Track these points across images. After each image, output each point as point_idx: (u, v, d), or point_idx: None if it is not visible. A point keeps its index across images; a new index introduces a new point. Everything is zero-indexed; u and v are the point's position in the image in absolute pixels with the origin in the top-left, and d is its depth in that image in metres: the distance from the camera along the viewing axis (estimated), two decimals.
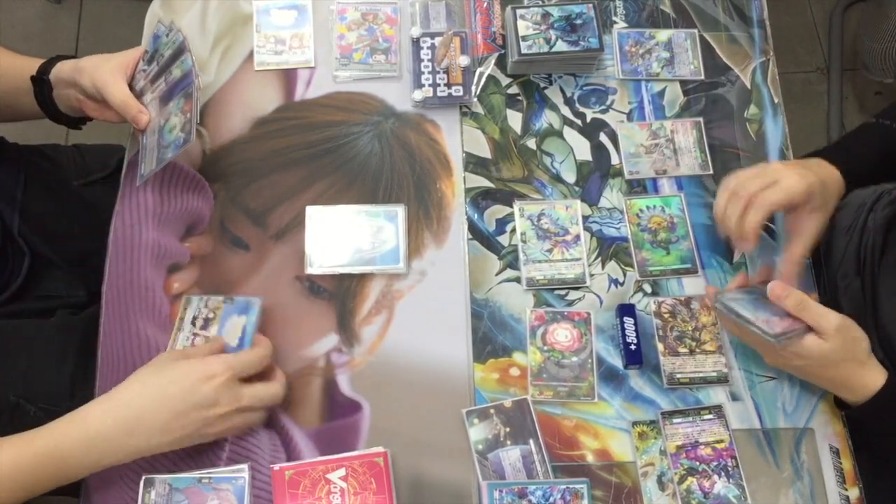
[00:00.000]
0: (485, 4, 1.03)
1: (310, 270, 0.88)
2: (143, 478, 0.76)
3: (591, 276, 0.91)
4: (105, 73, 0.86)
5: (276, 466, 0.79)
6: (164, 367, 0.74)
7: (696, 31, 1.04)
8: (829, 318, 0.77)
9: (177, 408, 0.71)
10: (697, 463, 0.82)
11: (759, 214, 0.81)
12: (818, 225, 0.84)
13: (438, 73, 0.97)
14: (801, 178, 0.81)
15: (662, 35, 1.03)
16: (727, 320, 0.82)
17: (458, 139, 0.97)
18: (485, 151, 0.97)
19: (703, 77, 1.01)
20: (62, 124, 0.95)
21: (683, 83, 1.01)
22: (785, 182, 0.81)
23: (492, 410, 0.84)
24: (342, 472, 0.78)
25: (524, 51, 0.96)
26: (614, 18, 1.04)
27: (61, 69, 0.89)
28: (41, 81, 0.90)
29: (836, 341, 0.77)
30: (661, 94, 1.01)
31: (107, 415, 0.71)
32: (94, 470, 0.72)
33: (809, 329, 0.78)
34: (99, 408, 0.72)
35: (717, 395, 0.86)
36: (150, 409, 0.71)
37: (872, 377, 0.79)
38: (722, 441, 0.83)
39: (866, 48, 1.85)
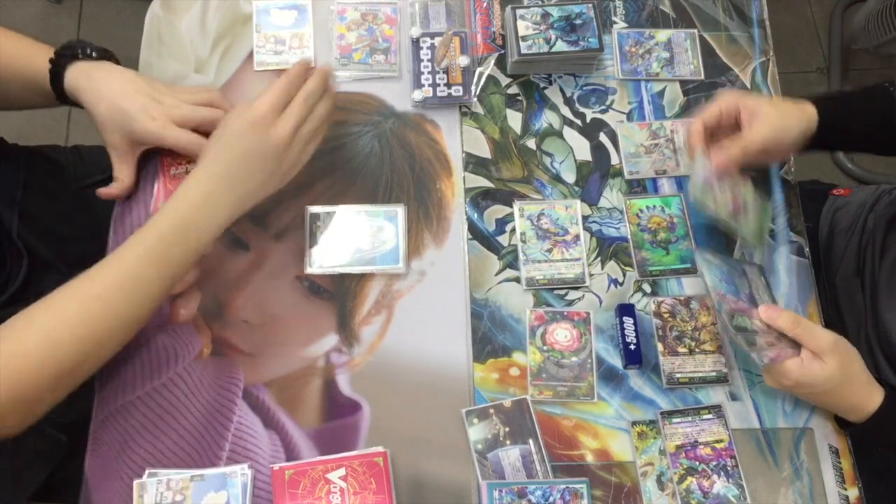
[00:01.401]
0: (484, 4, 1.03)
1: (309, 270, 0.88)
2: (135, 482, 0.77)
3: (591, 275, 0.91)
4: (112, 152, 0.86)
5: (276, 466, 0.79)
6: (222, 135, 0.78)
7: (695, 31, 1.04)
8: (825, 335, 0.77)
9: (246, 159, 0.77)
10: (697, 463, 0.82)
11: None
12: (768, 126, 0.85)
13: (438, 73, 0.97)
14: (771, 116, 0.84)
15: (662, 35, 1.03)
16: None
17: (457, 139, 0.97)
18: (484, 151, 0.97)
19: (702, 77, 1.01)
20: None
21: (683, 83, 1.01)
22: (757, 125, 0.84)
23: (491, 410, 0.84)
24: (342, 471, 0.78)
25: (524, 51, 0.96)
26: (614, 18, 1.04)
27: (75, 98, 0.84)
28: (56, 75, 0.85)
29: (834, 360, 0.76)
30: (661, 94, 1.01)
31: (200, 183, 0.77)
32: (216, 232, 0.77)
33: (796, 351, 0.78)
34: (191, 182, 0.77)
35: (717, 395, 0.86)
36: (234, 166, 0.77)
37: (871, 397, 0.79)
38: (721, 441, 0.83)
39: (854, 23, 1.92)
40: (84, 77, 0.83)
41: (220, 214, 0.77)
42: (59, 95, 0.85)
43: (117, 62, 0.88)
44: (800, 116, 0.86)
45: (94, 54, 0.86)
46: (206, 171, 0.77)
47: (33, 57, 0.85)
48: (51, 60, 0.84)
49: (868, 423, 0.79)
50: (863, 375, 0.79)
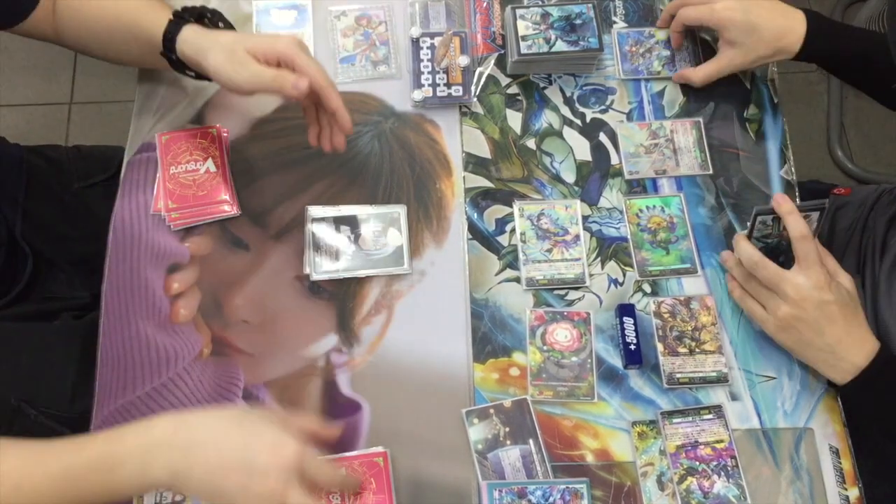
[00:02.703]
0: (484, 4, 1.03)
1: (315, 277, 0.88)
2: None
3: (591, 276, 0.91)
4: (243, 70, 0.79)
5: None
6: (247, 415, 0.69)
7: (694, 28, 1.04)
8: (813, 251, 0.80)
9: (229, 455, 0.65)
10: (697, 463, 0.82)
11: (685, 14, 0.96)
12: (728, 60, 0.95)
13: (438, 73, 0.97)
14: (728, 9, 0.93)
15: (662, 34, 1.03)
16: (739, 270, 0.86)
17: (457, 139, 0.97)
18: (484, 151, 0.97)
19: None
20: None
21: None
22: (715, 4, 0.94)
23: (491, 410, 0.84)
24: (342, 472, 0.78)
25: (524, 51, 0.96)
26: (614, 18, 1.04)
27: (187, 54, 0.83)
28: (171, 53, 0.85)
29: (848, 282, 0.81)
30: (661, 94, 1.01)
31: (170, 428, 0.67)
32: (139, 489, 0.69)
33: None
34: (166, 420, 0.68)
35: (717, 395, 0.86)
36: (210, 440, 0.66)
37: (870, 340, 0.81)
38: (721, 441, 0.83)
39: (855, 24, 1.89)
40: (199, 31, 0.84)
41: (151, 474, 0.65)
42: (168, 45, 0.84)
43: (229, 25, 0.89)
44: (775, 44, 0.93)
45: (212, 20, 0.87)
46: (182, 419, 0.68)
47: (152, 13, 0.86)
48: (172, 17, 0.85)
49: (866, 374, 0.79)
50: (857, 308, 0.82)
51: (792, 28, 0.92)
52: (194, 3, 0.89)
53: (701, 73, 0.97)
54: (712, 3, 0.94)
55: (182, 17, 0.85)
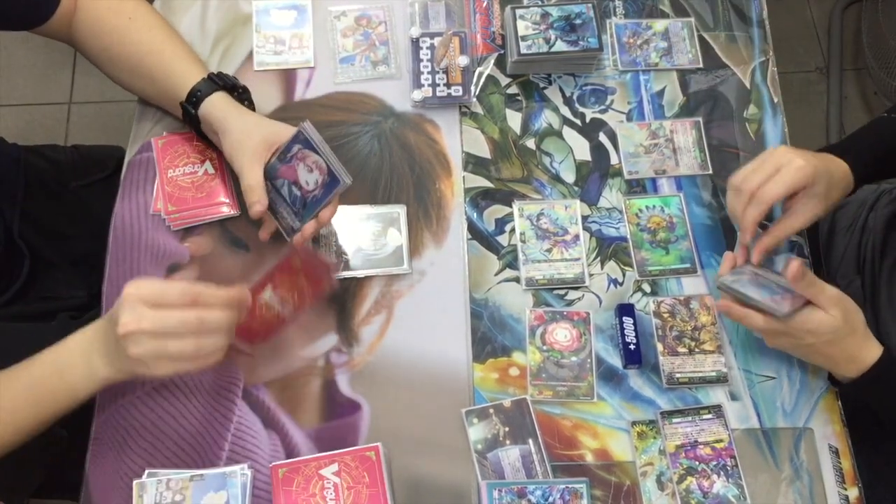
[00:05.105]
0: (484, 4, 1.04)
1: None
2: (135, 482, 0.77)
3: (591, 275, 0.91)
4: (244, 157, 0.83)
5: (272, 464, 0.79)
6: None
7: (691, 19, 1.04)
8: (831, 290, 0.78)
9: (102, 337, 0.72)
10: (696, 462, 0.82)
11: (758, 209, 0.82)
12: (814, 212, 0.83)
13: (438, 73, 0.97)
14: (806, 162, 0.81)
15: (659, 25, 1.03)
16: (727, 301, 0.82)
17: (457, 139, 0.97)
18: (484, 151, 0.97)
19: (701, 65, 1.02)
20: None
21: (684, 72, 1.01)
22: (785, 171, 0.81)
23: (491, 410, 0.84)
24: (335, 467, 0.78)
25: (523, 51, 0.96)
26: (614, 18, 1.04)
27: (210, 117, 0.86)
28: (190, 109, 0.87)
29: (839, 311, 0.77)
30: (661, 93, 1.01)
31: (96, 332, 0.73)
32: (93, 387, 0.73)
33: (807, 303, 0.78)
34: (94, 327, 0.74)
35: (717, 395, 0.86)
36: (102, 336, 0.72)
37: (871, 350, 0.79)
38: (721, 441, 0.83)
39: (876, 76, 1.82)
40: (227, 103, 0.86)
41: (96, 373, 0.73)
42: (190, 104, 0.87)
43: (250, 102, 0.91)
44: (845, 185, 0.85)
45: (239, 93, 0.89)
46: (91, 329, 0.74)
47: (186, 64, 0.88)
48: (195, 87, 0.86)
49: (864, 378, 0.79)
50: (863, 328, 0.80)
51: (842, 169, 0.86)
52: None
53: (782, 230, 0.85)
54: (786, 170, 0.81)
55: (215, 82, 0.87)
